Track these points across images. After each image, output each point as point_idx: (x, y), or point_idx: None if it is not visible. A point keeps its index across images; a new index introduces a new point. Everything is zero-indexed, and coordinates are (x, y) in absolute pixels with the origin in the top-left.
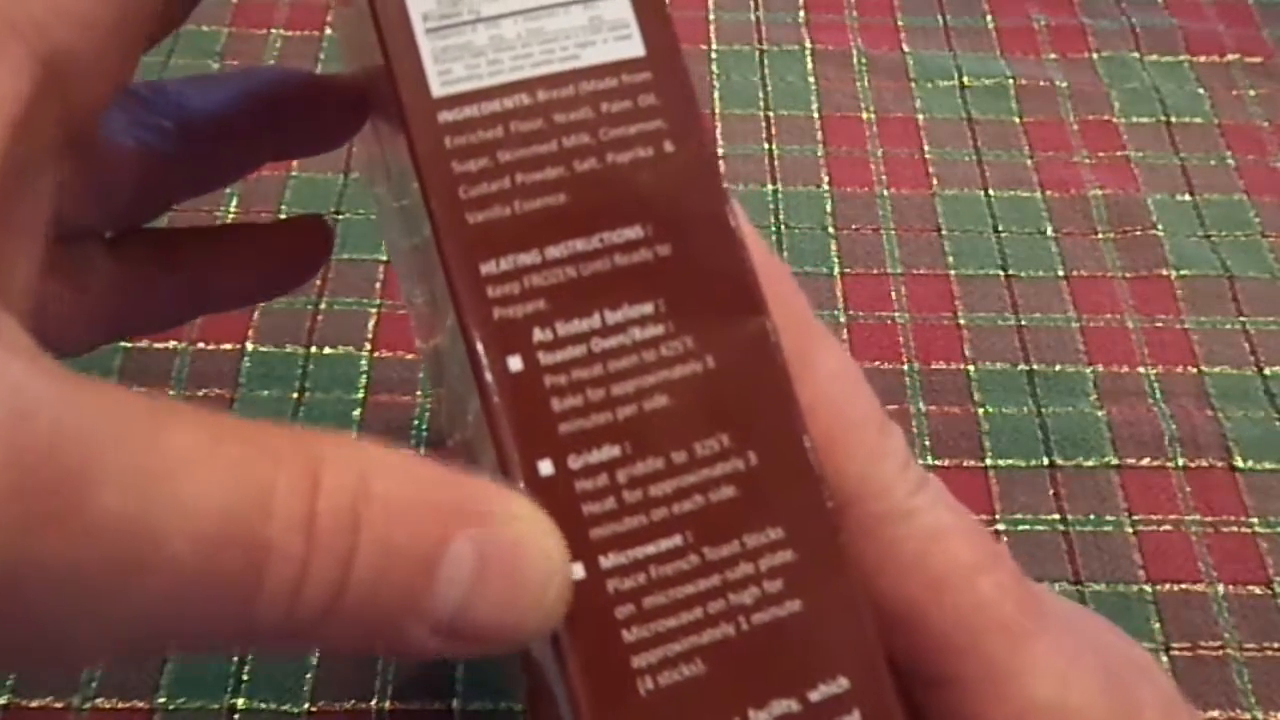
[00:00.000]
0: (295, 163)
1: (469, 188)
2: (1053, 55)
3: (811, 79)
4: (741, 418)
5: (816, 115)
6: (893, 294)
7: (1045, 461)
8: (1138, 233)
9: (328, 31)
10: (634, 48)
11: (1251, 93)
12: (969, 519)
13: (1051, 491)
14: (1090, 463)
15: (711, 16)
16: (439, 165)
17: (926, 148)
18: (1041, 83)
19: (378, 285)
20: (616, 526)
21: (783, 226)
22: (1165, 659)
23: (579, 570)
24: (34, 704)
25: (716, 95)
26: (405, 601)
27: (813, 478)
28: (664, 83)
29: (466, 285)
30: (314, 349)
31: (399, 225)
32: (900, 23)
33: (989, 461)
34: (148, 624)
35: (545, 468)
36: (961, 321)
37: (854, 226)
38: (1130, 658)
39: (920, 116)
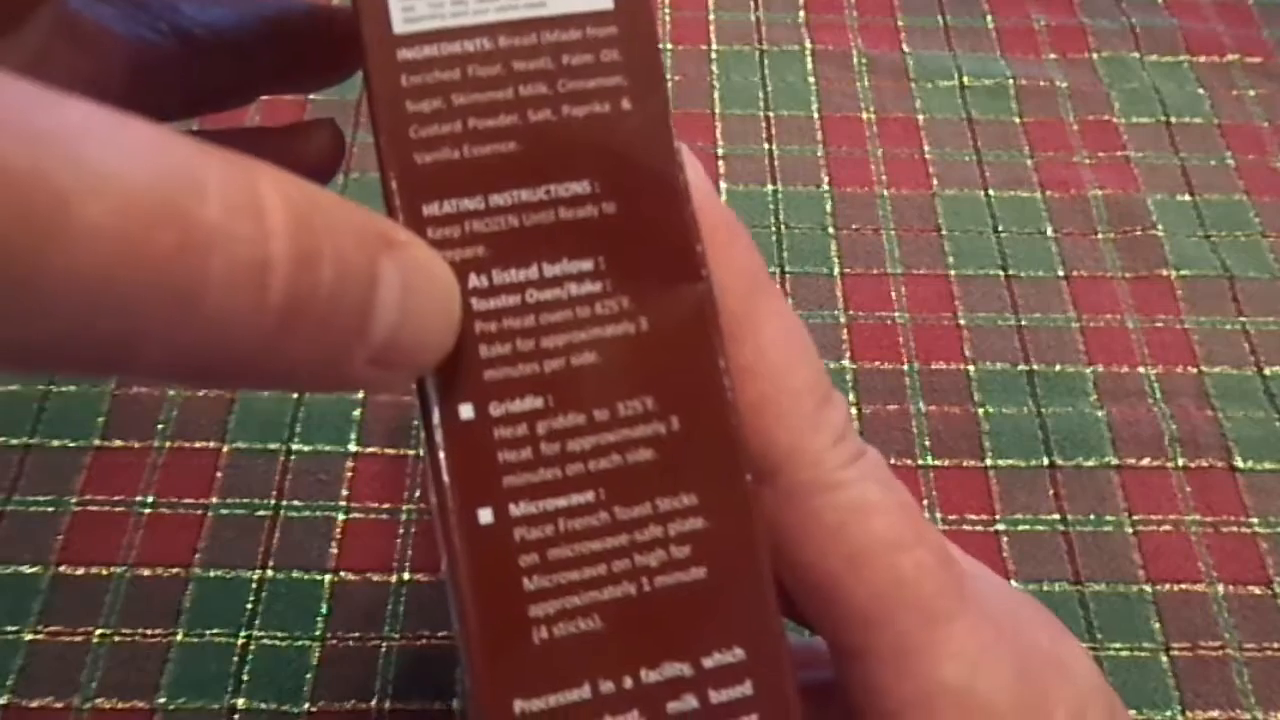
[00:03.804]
0: None
1: (420, 128)
2: (1053, 55)
3: (811, 79)
4: (668, 383)
5: (816, 115)
6: (893, 294)
7: (1045, 461)
8: (1138, 233)
9: None
10: (602, 0)
11: (1251, 93)
12: (900, 495)
13: (1051, 491)
14: (1090, 463)
15: (711, 16)
16: (393, 103)
17: (926, 148)
18: (1041, 83)
19: None
20: (530, 476)
21: (783, 226)
22: (1165, 659)
23: (487, 515)
24: (34, 704)
25: (716, 95)
26: (356, 322)
27: (733, 451)
28: (629, 39)
29: (407, 225)
30: None
31: None
32: (900, 23)
33: (989, 461)
34: (79, 307)
35: (466, 411)
36: (961, 321)
37: (854, 226)
38: (1054, 655)
39: (920, 116)
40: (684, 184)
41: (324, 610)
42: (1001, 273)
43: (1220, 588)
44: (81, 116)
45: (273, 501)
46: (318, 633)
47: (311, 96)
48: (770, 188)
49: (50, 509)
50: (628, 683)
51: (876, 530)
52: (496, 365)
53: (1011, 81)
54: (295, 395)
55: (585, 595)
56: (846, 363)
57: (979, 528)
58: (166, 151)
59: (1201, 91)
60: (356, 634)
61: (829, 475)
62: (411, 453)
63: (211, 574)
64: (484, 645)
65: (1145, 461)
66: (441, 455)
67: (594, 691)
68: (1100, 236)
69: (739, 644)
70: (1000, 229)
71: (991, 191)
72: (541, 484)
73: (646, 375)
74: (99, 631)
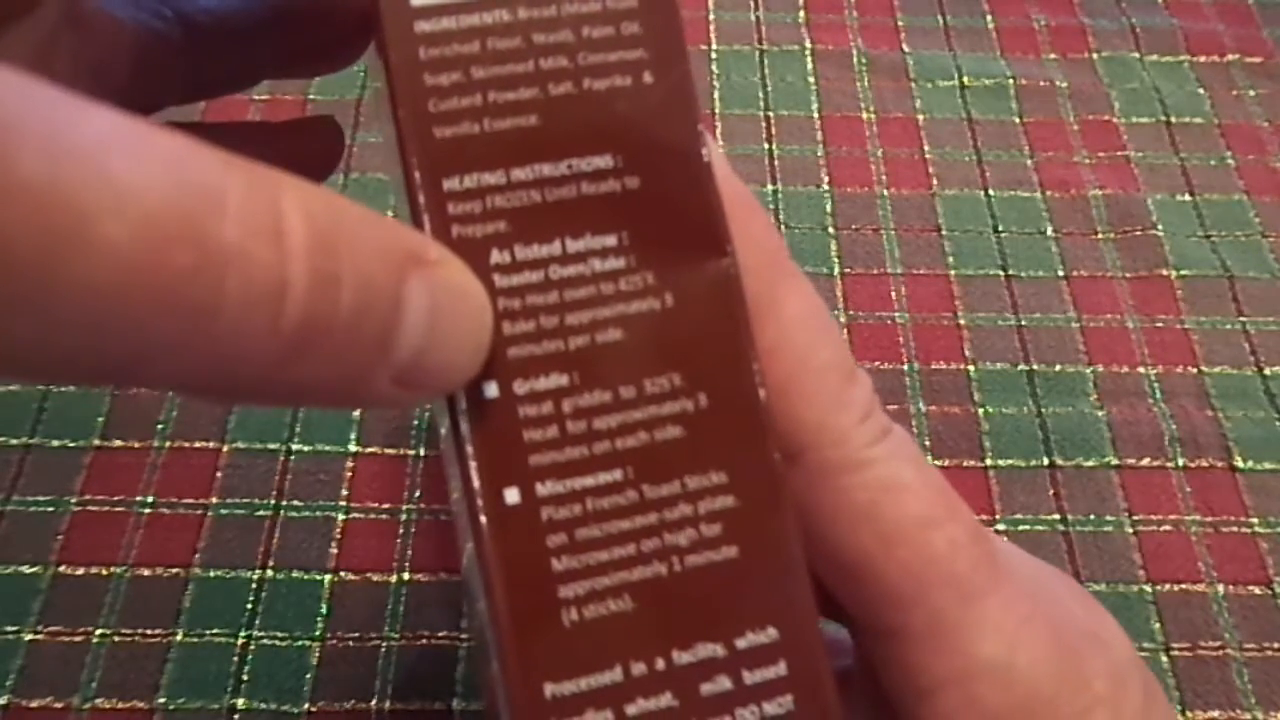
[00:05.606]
0: None
1: (439, 101)
2: (1053, 55)
3: (811, 79)
4: (695, 359)
5: (816, 115)
6: (893, 294)
7: (1045, 461)
8: (1138, 233)
9: None
10: None
11: (1251, 93)
12: (930, 474)
13: (1051, 491)
14: (1090, 463)
15: (711, 16)
16: (411, 76)
17: (926, 148)
18: (1041, 83)
19: None
20: (556, 455)
21: (783, 226)
22: (1165, 659)
23: (513, 495)
24: (34, 704)
25: (716, 95)
26: (380, 342)
27: (762, 428)
28: (649, 12)
29: (428, 200)
30: None
31: (391, 159)
32: (900, 23)
33: (989, 461)
34: (91, 321)
35: (490, 390)
36: (961, 321)
37: (854, 226)
38: (1088, 627)
39: (920, 116)
40: (707, 159)
41: (324, 610)
42: (1001, 273)
43: (1220, 588)
44: (105, 128)
45: (273, 501)
46: (318, 633)
47: (312, 95)
48: (770, 188)
49: (50, 509)
50: (660, 664)
51: (908, 508)
52: (520, 342)
53: (1011, 81)
54: None
55: (615, 576)
56: None
57: None
58: (189, 167)
59: (1201, 91)
60: (356, 634)
61: (857, 453)
62: (411, 453)
63: (211, 574)
64: (514, 628)
65: (1145, 461)
66: (466, 434)
67: (626, 673)
68: (1100, 236)
69: (772, 624)
70: (1000, 229)
71: (991, 191)
72: (568, 463)
73: (673, 352)
74: (99, 631)
